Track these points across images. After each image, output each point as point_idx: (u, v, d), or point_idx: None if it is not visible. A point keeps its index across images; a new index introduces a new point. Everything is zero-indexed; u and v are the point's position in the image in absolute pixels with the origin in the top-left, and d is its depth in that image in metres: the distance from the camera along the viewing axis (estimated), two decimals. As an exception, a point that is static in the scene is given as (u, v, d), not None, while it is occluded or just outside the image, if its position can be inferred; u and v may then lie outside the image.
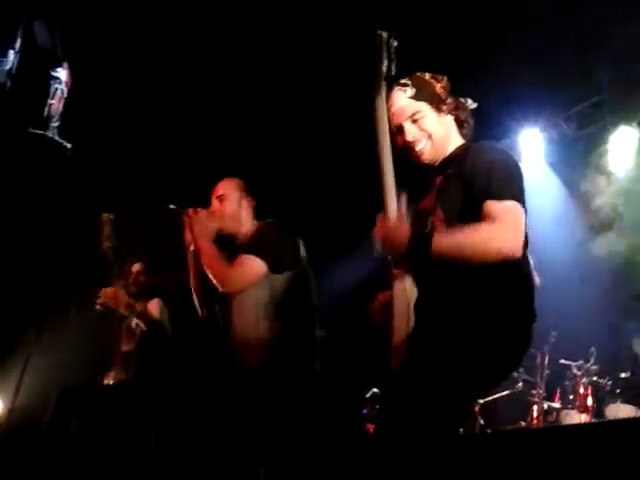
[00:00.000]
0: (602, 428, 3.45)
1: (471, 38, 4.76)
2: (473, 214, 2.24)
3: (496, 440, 3.58)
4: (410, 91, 2.42)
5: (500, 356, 2.24)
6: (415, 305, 2.27)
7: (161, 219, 4.60)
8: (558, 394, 5.11)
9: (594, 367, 4.91)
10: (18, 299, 5.56)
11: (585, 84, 5.39)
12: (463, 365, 2.17)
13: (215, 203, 3.33)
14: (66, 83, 3.21)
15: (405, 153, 2.46)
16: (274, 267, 3.09)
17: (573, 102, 5.93)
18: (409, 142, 2.42)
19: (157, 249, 4.84)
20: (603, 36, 4.54)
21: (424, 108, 2.42)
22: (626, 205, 5.53)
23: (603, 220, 5.60)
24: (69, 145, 3.20)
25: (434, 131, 2.43)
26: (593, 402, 4.78)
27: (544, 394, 4.99)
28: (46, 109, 3.15)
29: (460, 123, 2.49)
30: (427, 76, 2.47)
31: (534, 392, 5.03)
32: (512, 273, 2.25)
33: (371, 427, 5.06)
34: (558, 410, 4.95)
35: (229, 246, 3.31)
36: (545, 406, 4.97)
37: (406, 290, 2.28)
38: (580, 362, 4.96)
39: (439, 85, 2.46)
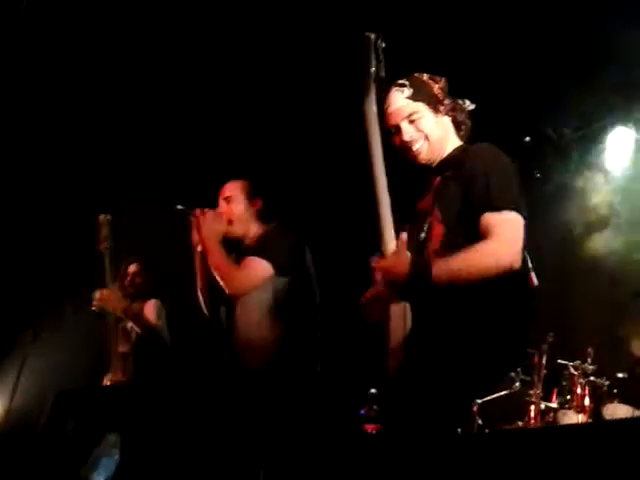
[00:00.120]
0: (600, 428, 3.45)
1: (470, 38, 4.76)
2: (470, 216, 2.25)
3: (494, 440, 3.57)
4: (408, 91, 2.43)
5: (498, 356, 2.24)
6: (412, 306, 2.27)
7: (159, 219, 4.61)
8: (555, 394, 5.11)
9: (591, 367, 4.91)
10: (15, 300, 5.55)
11: (584, 84, 5.38)
12: (461, 365, 2.17)
13: (222, 204, 3.34)
14: None
15: (402, 153, 2.46)
16: (280, 270, 3.10)
17: (572, 102, 5.92)
18: (406, 142, 2.43)
19: (155, 250, 4.84)
20: (603, 36, 4.54)
21: (421, 108, 2.43)
22: (623, 203, 5.54)
23: (600, 218, 5.60)
24: None
25: (431, 132, 2.43)
26: (590, 402, 4.77)
27: (541, 394, 4.99)
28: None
29: (458, 124, 2.50)
30: (425, 77, 2.48)
31: (531, 392, 5.02)
32: (510, 274, 2.25)
33: (369, 428, 5.05)
34: (555, 410, 4.95)
35: (236, 247, 3.32)
36: (542, 406, 4.96)
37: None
38: (577, 362, 4.96)
39: (437, 86, 2.46)
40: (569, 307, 5.21)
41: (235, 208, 3.33)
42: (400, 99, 2.43)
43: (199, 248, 3.25)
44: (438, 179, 2.43)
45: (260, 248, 3.18)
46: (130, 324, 4.23)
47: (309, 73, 5.02)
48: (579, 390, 4.83)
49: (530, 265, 2.39)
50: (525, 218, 2.28)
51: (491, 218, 2.21)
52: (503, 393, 5.10)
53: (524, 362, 4.90)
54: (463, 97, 2.52)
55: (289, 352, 3.08)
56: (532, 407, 4.95)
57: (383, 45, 2.34)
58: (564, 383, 5.03)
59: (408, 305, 2.25)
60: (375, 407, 5.32)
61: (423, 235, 2.37)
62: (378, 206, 2.29)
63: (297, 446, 3.06)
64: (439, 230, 2.32)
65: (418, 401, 2.13)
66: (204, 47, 4.92)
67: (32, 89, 4.93)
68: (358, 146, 2.34)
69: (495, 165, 2.32)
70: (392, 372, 2.24)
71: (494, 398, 5.05)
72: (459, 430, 2.61)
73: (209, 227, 3.16)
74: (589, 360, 4.92)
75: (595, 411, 4.74)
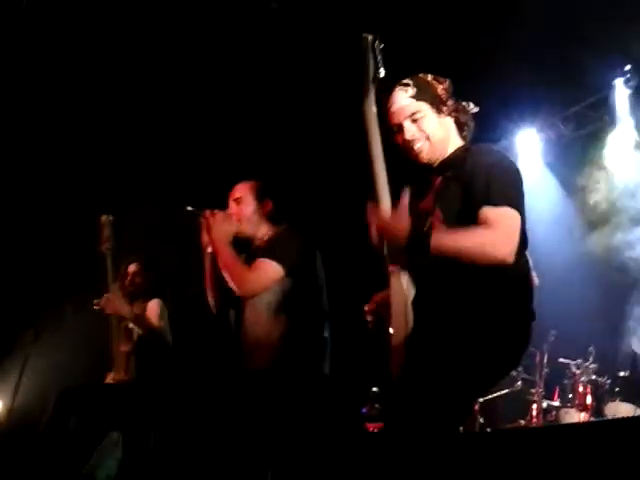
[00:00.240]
0: (601, 427, 3.46)
1: (470, 38, 4.76)
2: (471, 216, 2.25)
3: (495, 439, 3.58)
4: (411, 91, 2.44)
5: (500, 355, 2.24)
6: (413, 304, 2.27)
7: (161, 219, 4.61)
8: (557, 393, 5.12)
9: (593, 366, 4.91)
10: (16, 300, 5.56)
11: (582, 84, 5.39)
12: (463, 364, 2.17)
13: (232, 205, 3.34)
14: None
15: (404, 152, 2.47)
16: (290, 272, 3.11)
17: (570, 102, 5.93)
18: (408, 141, 2.43)
19: (156, 249, 4.84)
20: (602, 36, 4.54)
21: (424, 108, 2.43)
22: (622, 200, 5.55)
23: (600, 215, 5.61)
24: None
25: (433, 132, 2.44)
26: (592, 401, 4.78)
27: (543, 393, 4.99)
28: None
29: (460, 125, 2.50)
30: (429, 77, 2.49)
31: (533, 391, 5.03)
32: (511, 273, 2.26)
33: (371, 426, 5.06)
34: (557, 409, 4.96)
35: (245, 248, 3.32)
36: (544, 405, 4.97)
37: (403, 289, 2.28)
38: (579, 361, 4.97)
39: (441, 87, 2.47)
40: (570, 306, 5.21)
41: (245, 209, 3.32)
42: (403, 98, 2.44)
43: (209, 249, 3.25)
44: (439, 179, 2.44)
45: (270, 250, 3.18)
46: (132, 324, 4.24)
47: (313, 75, 5.03)
48: (581, 389, 4.84)
49: (531, 265, 2.40)
50: (523, 217, 2.28)
51: (490, 212, 2.22)
52: (505, 392, 5.11)
53: (526, 361, 4.90)
54: (463, 96, 2.53)
55: (295, 353, 3.08)
56: (534, 406, 4.95)
57: (381, 46, 2.35)
58: (566, 382, 5.03)
59: (410, 304, 2.26)
60: (377, 406, 5.33)
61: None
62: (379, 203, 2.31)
63: (303, 446, 3.06)
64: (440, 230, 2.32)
65: (420, 400, 2.13)
66: (210, 49, 4.93)
67: (35, 90, 4.93)
68: (361, 147, 2.34)
69: (496, 164, 2.32)
70: (394, 371, 2.24)
71: (496, 397, 5.07)
72: (461, 429, 2.61)
73: (219, 228, 3.15)
74: (591, 359, 4.92)
75: (597, 409, 4.75)
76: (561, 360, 5.07)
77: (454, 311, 2.24)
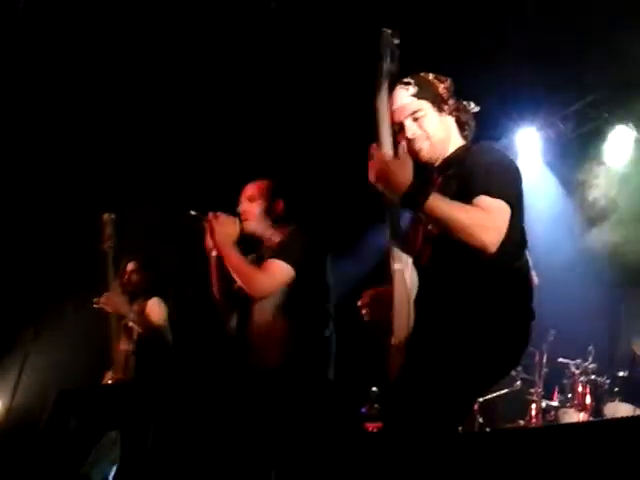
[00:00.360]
0: (600, 426, 3.46)
1: (469, 38, 4.76)
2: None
3: (495, 438, 3.58)
4: (412, 89, 2.44)
5: (499, 355, 2.24)
6: (415, 302, 2.27)
7: (162, 218, 4.60)
8: (556, 393, 5.12)
9: (592, 366, 4.91)
10: (16, 298, 5.56)
11: (582, 83, 5.39)
12: (462, 363, 2.17)
13: (244, 204, 3.33)
14: None
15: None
16: (299, 272, 3.11)
17: (570, 101, 5.93)
18: (409, 139, 2.43)
19: (157, 249, 4.84)
20: (602, 36, 4.54)
21: (425, 107, 2.44)
22: (622, 196, 5.55)
23: (599, 212, 5.61)
24: None
25: (434, 131, 2.44)
26: (591, 401, 4.78)
27: (542, 393, 5.00)
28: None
29: (461, 125, 2.51)
30: (430, 76, 2.49)
31: (533, 391, 5.03)
32: (511, 273, 2.27)
33: (370, 426, 5.06)
34: (556, 409, 4.96)
35: (253, 248, 3.32)
36: (544, 404, 4.97)
37: (407, 288, 2.28)
38: (578, 361, 4.97)
39: (442, 86, 2.47)
40: (570, 305, 5.21)
41: (256, 208, 3.31)
42: (405, 97, 2.45)
43: (214, 253, 3.24)
44: (440, 178, 2.44)
45: (281, 250, 3.17)
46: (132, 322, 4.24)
47: (325, 74, 5.02)
48: (580, 388, 4.84)
49: (530, 264, 2.40)
50: (521, 216, 2.28)
51: (486, 200, 2.21)
52: (504, 392, 5.11)
53: (525, 361, 4.90)
54: (463, 95, 2.53)
55: (299, 354, 3.09)
56: (533, 405, 4.96)
57: (398, 41, 2.34)
58: (565, 382, 5.04)
59: (412, 303, 2.25)
60: (376, 405, 5.33)
61: (429, 227, 2.37)
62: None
63: (307, 446, 3.06)
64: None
65: (419, 399, 2.13)
66: (216, 45, 4.92)
67: (37, 89, 4.92)
68: (363, 144, 2.34)
69: (496, 163, 2.33)
70: (394, 370, 2.24)
71: (495, 397, 5.07)
72: (460, 429, 2.61)
73: (222, 231, 3.12)
74: (590, 358, 4.93)
75: (596, 409, 4.75)
76: (560, 360, 5.07)
77: (454, 310, 2.24)
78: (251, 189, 3.36)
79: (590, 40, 4.65)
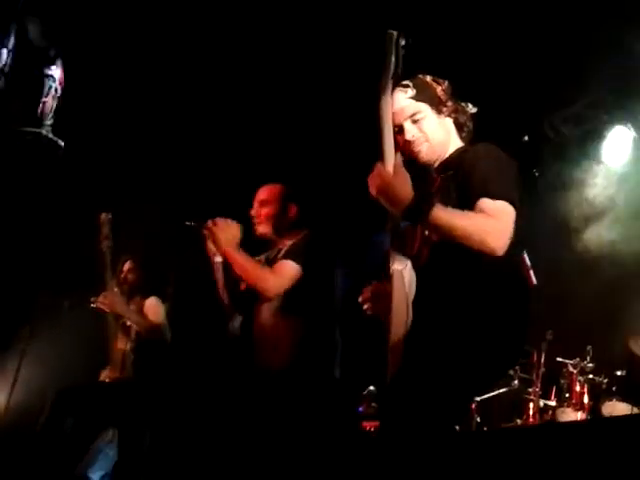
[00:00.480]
0: (598, 426, 3.45)
1: (469, 37, 4.75)
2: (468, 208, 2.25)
3: (492, 438, 3.58)
4: (411, 92, 2.46)
5: (497, 354, 2.24)
6: (413, 303, 2.27)
7: (161, 218, 4.59)
8: (554, 392, 5.12)
9: (590, 365, 4.91)
10: (12, 296, 5.55)
11: (581, 84, 5.38)
12: (460, 363, 2.18)
13: (256, 207, 3.34)
14: (60, 81, 3.20)
15: (405, 152, 2.47)
16: (308, 274, 3.12)
17: (569, 101, 5.92)
18: (408, 141, 2.44)
19: (155, 248, 4.83)
20: (602, 36, 4.53)
21: (424, 109, 2.45)
22: (620, 194, 5.55)
23: (598, 210, 5.61)
24: (62, 143, 3.17)
25: (433, 132, 2.46)
26: (589, 400, 4.78)
27: (540, 392, 4.99)
28: (40, 107, 3.13)
29: (460, 126, 2.52)
30: (428, 78, 2.51)
31: (530, 390, 5.03)
32: (510, 273, 2.27)
33: (367, 425, 5.05)
34: (554, 408, 4.95)
35: (260, 250, 3.33)
36: (541, 404, 4.97)
37: (405, 288, 2.28)
38: (576, 360, 4.96)
39: (440, 88, 2.49)
40: (568, 305, 5.21)
41: (269, 212, 3.33)
42: (403, 99, 2.46)
43: (217, 259, 3.24)
44: (439, 180, 2.45)
45: (292, 252, 3.20)
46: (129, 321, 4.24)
47: (333, 79, 5.01)
48: (578, 388, 4.84)
49: (529, 264, 2.40)
50: (520, 214, 2.28)
51: (489, 203, 2.22)
52: (502, 391, 5.10)
53: (523, 360, 4.90)
54: (463, 96, 2.53)
55: (306, 355, 3.09)
56: (531, 405, 4.95)
57: (403, 43, 2.34)
58: (563, 381, 5.03)
59: (410, 303, 2.25)
60: (373, 404, 5.32)
61: (426, 234, 2.37)
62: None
63: (307, 446, 3.07)
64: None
65: (417, 398, 2.13)
66: (220, 45, 4.90)
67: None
68: (366, 144, 2.34)
69: (495, 161, 2.33)
70: (392, 369, 2.24)
71: (493, 396, 5.06)
72: (457, 428, 2.61)
73: (224, 236, 3.11)
74: (588, 358, 4.92)
75: (594, 409, 4.75)
76: (558, 359, 5.07)
77: (451, 310, 2.24)
78: (264, 193, 3.38)
79: (590, 40, 4.65)
